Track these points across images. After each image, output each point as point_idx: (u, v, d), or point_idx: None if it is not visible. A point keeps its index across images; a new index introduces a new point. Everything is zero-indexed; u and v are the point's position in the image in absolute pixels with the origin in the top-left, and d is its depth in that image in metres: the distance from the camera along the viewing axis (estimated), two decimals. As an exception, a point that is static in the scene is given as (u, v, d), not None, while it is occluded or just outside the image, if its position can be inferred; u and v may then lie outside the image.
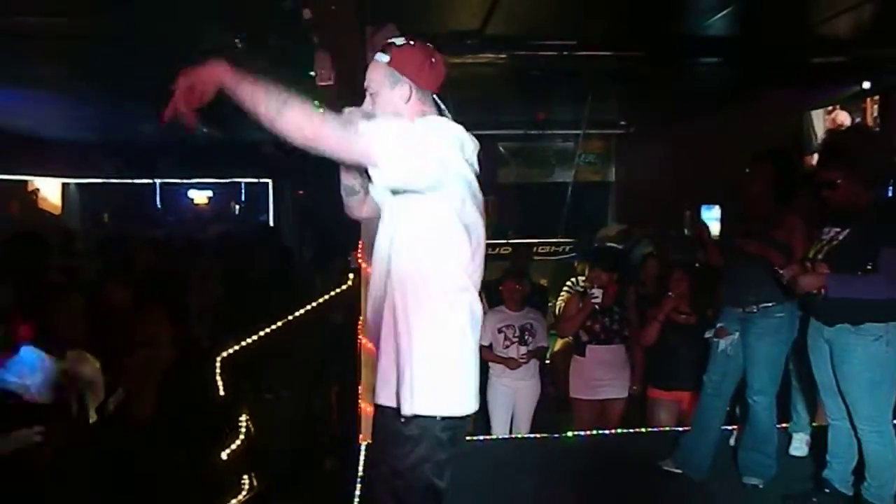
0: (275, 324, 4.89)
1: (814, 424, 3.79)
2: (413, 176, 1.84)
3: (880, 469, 2.96)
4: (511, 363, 4.66)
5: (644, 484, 3.54)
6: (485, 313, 2.32)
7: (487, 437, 4.42)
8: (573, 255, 7.34)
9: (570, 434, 4.40)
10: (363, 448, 3.83)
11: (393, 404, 1.93)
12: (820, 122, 5.55)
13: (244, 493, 3.98)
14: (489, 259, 2.06)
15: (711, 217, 6.42)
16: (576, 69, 5.20)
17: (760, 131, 5.57)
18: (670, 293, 4.44)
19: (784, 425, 3.75)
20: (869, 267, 2.88)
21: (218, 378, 4.17)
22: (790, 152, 3.87)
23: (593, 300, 4.54)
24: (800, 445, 3.79)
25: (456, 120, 2.01)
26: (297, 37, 3.79)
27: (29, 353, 3.09)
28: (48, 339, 3.12)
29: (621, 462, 3.77)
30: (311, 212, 9.96)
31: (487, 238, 2.02)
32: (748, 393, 3.40)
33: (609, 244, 6.72)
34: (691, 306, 4.46)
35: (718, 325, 3.53)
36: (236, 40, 4.37)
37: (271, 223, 11.43)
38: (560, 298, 5.50)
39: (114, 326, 4.06)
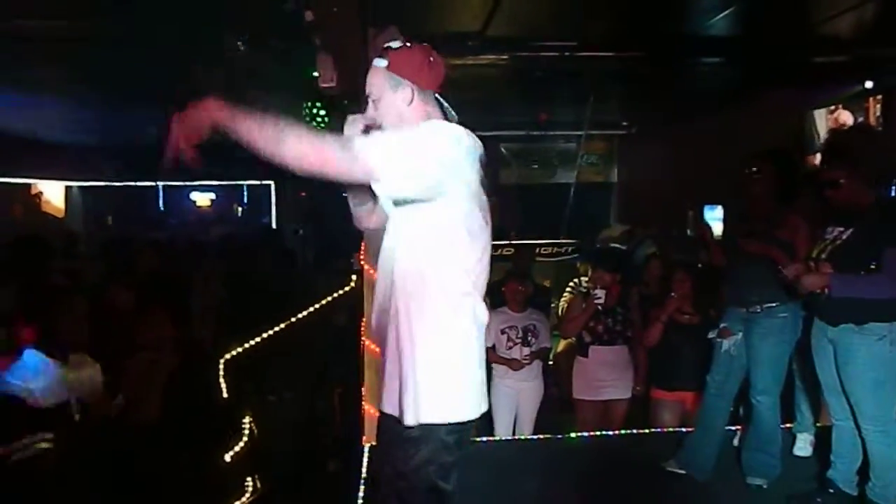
0: (278, 326, 4.89)
1: (818, 424, 3.78)
2: (415, 187, 1.84)
3: (885, 469, 2.95)
4: (514, 364, 4.65)
5: (647, 485, 3.54)
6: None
7: (491, 438, 4.42)
8: (576, 255, 7.33)
9: (573, 435, 4.40)
10: (366, 450, 3.83)
11: (398, 413, 1.92)
12: (822, 121, 5.55)
13: (248, 495, 3.98)
14: (491, 260, 2.05)
15: (714, 217, 6.41)
16: (577, 70, 5.21)
17: (762, 131, 5.57)
18: (673, 294, 4.44)
19: (788, 425, 3.75)
20: (872, 266, 2.87)
21: (221, 380, 4.17)
22: (792, 152, 3.87)
23: (596, 301, 4.54)
24: (804, 445, 3.79)
25: (458, 121, 2.01)
26: (298, 39, 3.79)
27: (32, 356, 3.10)
28: (51, 343, 3.13)
29: (625, 463, 3.77)
30: (313, 213, 9.97)
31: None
32: (752, 393, 3.40)
33: (612, 245, 6.72)
34: (694, 306, 4.46)
35: (722, 325, 3.53)
36: (238, 42, 4.38)
37: (274, 225, 11.44)
38: (563, 299, 5.50)
39: (117, 329, 4.07)
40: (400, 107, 1.96)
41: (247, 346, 4.55)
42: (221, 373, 4.21)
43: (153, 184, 11.69)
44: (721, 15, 4.17)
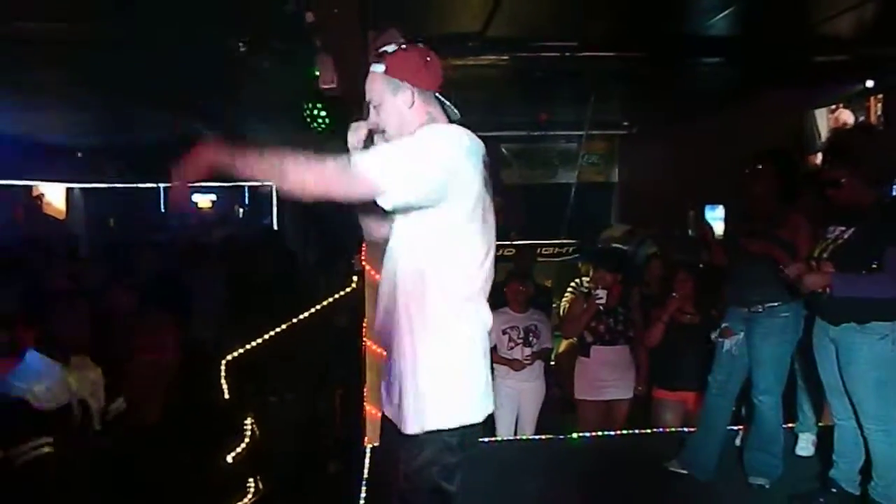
0: (279, 327, 4.90)
1: (820, 424, 3.77)
2: (418, 195, 1.83)
3: (887, 468, 2.95)
4: (515, 364, 4.65)
5: (650, 485, 3.53)
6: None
7: (492, 438, 4.42)
8: (577, 256, 7.33)
9: (575, 435, 4.39)
10: (368, 451, 3.83)
11: (400, 421, 1.92)
12: (823, 121, 5.54)
13: (249, 496, 3.99)
14: (494, 260, 2.05)
15: (715, 217, 6.41)
16: (578, 70, 5.20)
17: (763, 131, 5.56)
18: (674, 294, 4.44)
19: (790, 425, 3.74)
20: (874, 266, 2.87)
21: (223, 381, 4.18)
22: (792, 151, 3.87)
23: (597, 301, 4.54)
24: (806, 445, 3.78)
25: (459, 119, 2.01)
26: (299, 40, 3.80)
27: (34, 358, 3.10)
28: (52, 345, 3.13)
29: (627, 463, 3.76)
30: (315, 214, 9.97)
31: None
32: (754, 393, 3.39)
33: (614, 245, 6.72)
34: (696, 306, 4.46)
35: (723, 325, 3.53)
36: (239, 44, 4.38)
37: (275, 226, 11.44)
38: (564, 299, 5.49)
39: (118, 331, 4.08)
40: (401, 110, 1.95)
41: (248, 347, 4.56)
42: (223, 374, 4.22)
43: (155, 185, 11.70)
44: (721, 15, 4.17)
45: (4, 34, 4.31)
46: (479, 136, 1.98)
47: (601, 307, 4.54)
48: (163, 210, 12.05)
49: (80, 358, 3.26)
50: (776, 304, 3.28)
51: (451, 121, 2.01)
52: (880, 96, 5.07)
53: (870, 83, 5.06)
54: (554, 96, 6.59)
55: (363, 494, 3.33)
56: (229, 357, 4.34)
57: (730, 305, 3.54)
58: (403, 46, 1.97)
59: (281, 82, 5.06)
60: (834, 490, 3.14)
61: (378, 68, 1.96)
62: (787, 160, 3.47)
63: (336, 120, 5.19)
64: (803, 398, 3.76)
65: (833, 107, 5.46)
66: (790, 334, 3.32)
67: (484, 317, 1.98)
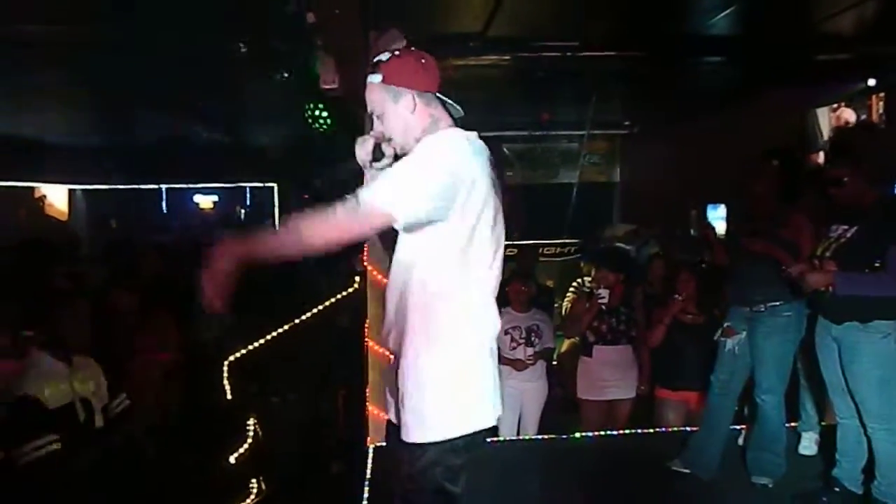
0: (281, 328, 4.90)
1: (823, 423, 3.77)
2: (430, 211, 1.82)
3: (890, 467, 2.94)
4: (518, 365, 4.65)
5: (652, 484, 3.53)
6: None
7: (495, 438, 4.42)
8: (579, 255, 7.32)
9: (577, 435, 4.39)
10: (371, 451, 3.83)
11: (406, 431, 1.92)
12: (825, 119, 5.53)
13: (252, 496, 3.99)
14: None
15: (717, 216, 6.40)
16: (579, 70, 5.20)
17: (765, 130, 5.55)
18: (677, 296, 4.43)
19: (793, 424, 3.74)
20: (877, 264, 2.87)
21: (225, 382, 4.19)
22: (794, 150, 3.86)
23: (600, 301, 4.54)
24: (809, 444, 3.78)
25: (462, 117, 2.01)
26: (300, 41, 3.80)
27: (40, 358, 3.11)
28: (55, 345, 3.14)
29: (629, 463, 3.76)
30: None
31: None
32: (756, 392, 3.39)
33: (617, 244, 6.71)
34: (698, 306, 4.45)
35: (726, 324, 3.53)
36: (239, 45, 4.39)
37: (276, 226, 11.44)
38: (566, 299, 5.49)
39: (121, 332, 4.08)
40: (404, 116, 1.95)
41: (251, 348, 4.57)
42: (225, 375, 4.22)
43: (156, 187, 11.71)
44: (722, 14, 4.17)
45: (7, 37, 4.32)
46: (481, 137, 1.98)
47: (603, 307, 4.54)
48: (164, 210, 12.08)
49: (82, 358, 3.27)
50: (778, 303, 3.28)
51: (454, 119, 2.01)
52: (882, 95, 5.06)
53: (871, 82, 5.05)
54: (555, 96, 6.59)
55: (366, 494, 3.33)
56: (232, 358, 4.35)
57: (732, 305, 3.54)
58: (397, 53, 1.97)
59: (282, 83, 5.07)
60: (837, 489, 3.14)
61: (375, 78, 1.95)
62: (789, 159, 3.47)
63: (337, 120, 5.19)
64: (806, 397, 3.76)
65: (835, 105, 5.46)
66: (793, 333, 3.32)
67: (493, 319, 1.97)
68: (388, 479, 2.06)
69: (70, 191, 11.14)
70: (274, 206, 11.75)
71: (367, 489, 3.37)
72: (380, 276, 3.85)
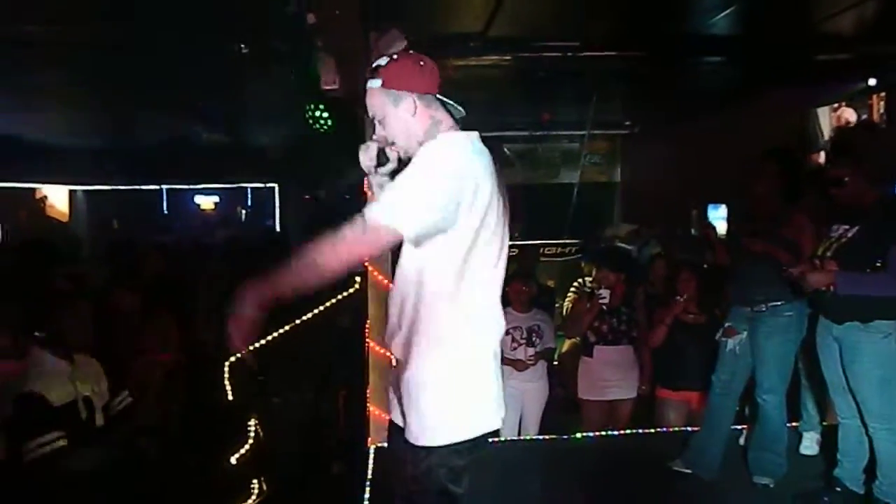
0: (282, 328, 4.90)
1: (824, 423, 3.77)
2: (435, 218, 1.81)
3: (892, 467, 2.94)
4: (519, 365, 4.65)
5: (654, 484, 3.53)
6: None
7: (496, 439, 4.41)
8: (580, 255, 7.32)
9: (578, 435, 4.39)
10: (372, 452, 3.83)
11: (411, 434, 1.92)
12: (826, 119, 5.53)
13: (253, 497, 3.99)
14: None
15: (718, 216, 6.40)
16: (580, 70, 5.21)
17: (766, 130, 5.55)
18: (679, 297, 4.43)
19: (794, 424, 3.74)
20: (878, 264, 2.87)
21: (226, 383, 4.19)
22: (795, 150, 3.86)
23: (601, 301, 4.54)
24: (810, 444, 3.78)
25: (463, 117, 2.01)
26: (301, 41, 3.80)
27: (43, 357, 3.12)
28: (56, 343, 3.15)
29: (630, 463, 3.76)
30: (317, 215, 9.99)
31: None
32: (758, 392, 3.39)
33: (618, 244, 6.72)
34: (699, 306, 4.45)
35: (727, 324, 3.53)
36: (241, 46, 4.39)
37: (278, 227, 11.45)
38: (567, 299, 5.49)
39: (122, 332, 4.08)
40: (405, 119, 1.95)
41: (252, 348, 4.56)
42: (227, 375, 4.22)
43: (157, 187, 11.72)
44: (723, 14, 4.17)
45: (8, 37, 4.33)
46: (482, 137, 1.98)
47: (604, 307, 4.54)
48: (166, 211, 12.09)
49: (84, 357, 3.28)
50: (779, 303, 3.28)
51: (455, 120, 2.01)
52: (882, 94, 5.06)
53: (872, 81, 5.05)
54: (556, 96, 6.59)
55: (367, 495, 3.33)
56: (233, 358, 4.35)
57: (733, 305, 3.54)
58: (395, 57, 1.97)
59: (282, 83, 5.07)
60: (838, 489, 3.14)
61: (375, 83, 1.95)
62: (790, 159, 3.47)
63: (338, 121, 5.19)
64: (807, 397, 3.76)
65: (835, 105, 5.45)
66: (794, 333, 3.32)
67: (498, 321, 1.98)
68: (389, 480, 2.07)
69: (71, 191, 11.16)
70: (275, 206, 11.76)
71: (367, 490, 3.37)
72: (381, 277, 3.85)
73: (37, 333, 3.13)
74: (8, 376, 3.20)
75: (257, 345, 4.59)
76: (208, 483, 3.71)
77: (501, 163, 2.01)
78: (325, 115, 5.18)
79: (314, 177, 9.62)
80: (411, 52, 2.03)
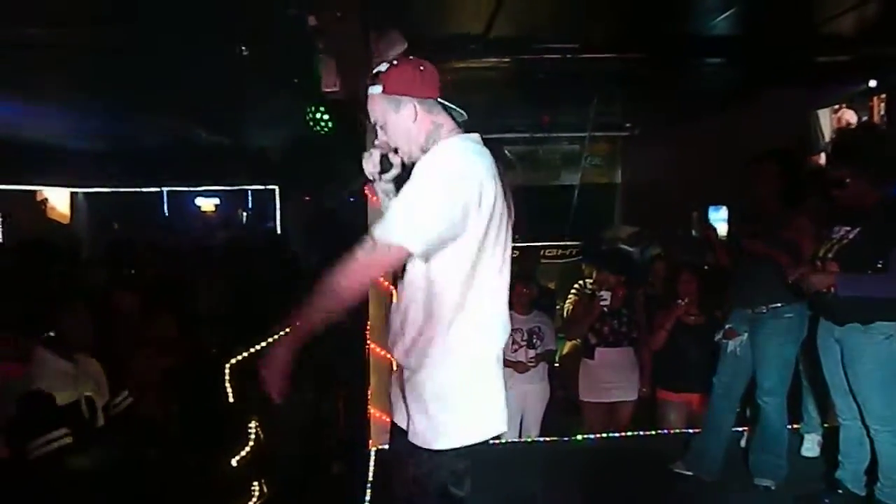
0: (283, 329, 4.89)
1: (825, 425, 3.77)
2: (441, 229, 1.82)
3: (893, 468, 2.94)
4: (519, 367, 4.64)
5: (654, 486, 3.53)
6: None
7: (496, 441, 4.41)
8: (580, 257, 7.32)
9: (579, 437, 4.39)
10: (373, 453, 3.83)
11: (422, 438, 1.92)
12: (826, 121, 5.53)
13: (254, 499, 3.99)
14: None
15: (718, 218, 6.39)
16: (580, 72, 5.20)
17: (766, 131, 5.55)
18: (680, 301, 4.43)
19: (795, 426, 3.74)
20: (879, 265, 2.87)
21: (227, 384, 4.18)
22: (796, 152, 3.86)
23: (602, 303, 4.53)
24: (811, 446, 3.77)
25: (465, 120, 2.01)
26: (301, 44, 3.80)
27: (46, 356, 3.13)
28: (59, 344, 3.16)
29: (631, 464, 3.76)
30: (318, 217, 9.99)
31: None
32: (758, 394, 3.39)
33: (620, 246, 6.71)
34: (700, 307, 4.45)
35: (727, 325, 3.52)
36: (241, 48, 4.39)
37: (278, 229, 11.45)
38: (568, 301, 5.49)
39: (123, 333, 4.09)
40: (406, 125, 1.96)
41: (252, 350, 4.56)
42: (227, 377, 4.22)
43: (158, 189, 11.73)
44: (723, 15, 4.17)
45: (10, 40, 4.33)
46: (483, 139, 1.98)
47: (605, 309, 4.54)
48: (166, 213, 12.09)
49: (84, 356, 3.29)
50: (780, 304, 3.28)
51: (458, 124, 2.01)
52: (883, 96, 5.05)
53: (873, 83, 5.05)
54: (556, 98, 6.59)
55: (367, 497, 3.33)
56: (233, 360, 4.34)
57: (734, 306, 3.54)
58: (395, 62, 1.98)
59: (283, 86, 5.08)
60: (840, 491, 3.14)
61: (376, 89, 1.96)
62: (791, 161, 3.47)
63: (338, 123, 5.20)
64: (808, 399, 3.75)
65: (836, 107, 5.45)
66: (794, 335, 3.31)
67: (504, 326, 1.98)
68: (390, 482, 2.07)
69: (72, 194, 11.17)
70: (275, 208, 11.77)
71: (368, 491, 3.37)
72: (381, 278, 3.84)
73: (50, 334, 3.15)
74: (10, 377, 3.20)
75: (258, 346, 4.60)
76: (209, 485, 3.71)
77: (504, 165, 2.01)
78: (326, 117, 5.19)
79: (315, 179, 9.62)
80: (412, 57, 2.03)
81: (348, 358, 4.76)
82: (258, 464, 4.13)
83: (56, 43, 4.51)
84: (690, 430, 4.08)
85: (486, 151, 1.95)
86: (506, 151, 9.34)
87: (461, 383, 1.91)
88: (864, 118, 5.19)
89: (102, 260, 7.01)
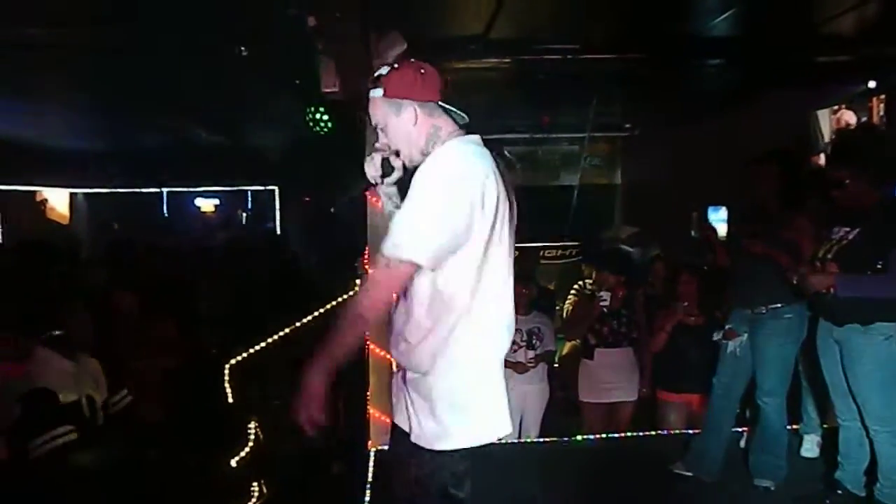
0: (282, 330, 4.90)
1: (825, 426, 3.77)
2: (447, 240, 1.83)
3: (893, 469, 2.94)
4: (519, 367, 4.64)
5: (654, 487, 3.53)
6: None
7: (496, 441, 4.40)
8: (580, 258, 7.32)
9: (579, 437, 4.39)
10: (372, 454, 3.83)
11: (425, 439, 1.93)
12: (826, 121, 5.52)
13: (254, 499, 3.99)
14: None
15: (718, 218, 6.39)
16: (580, 72, 5.20)
17: (766, 132, 5.55)
18: (681, 303, 4.43)
19: (795, 427, 3.74)
20: (878, 266, 2.87)
21: (226, 385, 4.19)
22: (795, 153, 3.86)
23: (601, 303, 4.53)
24: (811, 447, 3.78)
25: (466, 122, 2.01)
26: (301, 44, 3.80)
27: (44, 356, 3.14)
28: (60, 343, 3.16)
29: (631, 465, 3.76)
30: (318, 218, 10.00)
31: None
32: (758, 394, 3.39)
33: (620, 246, 6.72)
34: (700, 308, 4.45)
35: (727, 326, 3.53)
36: (241, 48, 4.39)
37: (278, 230, 11.45)
38: (567, 302, 5.49)
39: (122, 333, 4.09)
40: (407, 128, 1.96)
41: (252, 350, 4.56)
42: (227, 377, 4.22)
43: (157, 190, 11.73)
44: (723, 16, 4.17)
45: (10, 40, 4.33)
46: (483, 139, 1.99)
47: (605, 309, 4.54)
48: (166, 213, 12.09)
49: (84, 356, 3.30)
50: (780, 305, 3.28)
51: (458, 126, 2.01)
52: (883, 97, 5.05)
53: (872, 84, 5.05)
54: (556, 99, 6.59)
55: (367, 497, 3.33)
56: (233, 360, 4.35)
57: (734, 307, 3.54)
58: (396, 66, 1.98)
59: (283, 86, 5.07)
60: (839, 492, 3.14)
61: (377, 93, 1.97)
62: (791, 161, 3.48)
63: (338, 123, 5.20)
64: (808, 400, 3.75)
65: (835, 108, 5.45)
66: (794, 335, 3.32)
67: (510, 329, 2.00)
68: (390, 483, 2.07)
69: (72, 194, 11.17)
70: (275, 209, 11.77)
71: (368, 492, 3.37)
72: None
73: (56, 332, 3.15)
74: (10, 377, 3.20)
75: (257, 347, 4.60)
76: (209, 485, 3.71)
77: (506, 166, 2.02)
78: (326, 117, 5.19)
79: (315, 179, 9.62)
80: (412, 59, 2.03)
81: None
82: (258, 464, 4.13)
83: (56, 43, 4.50)
84: (690, 431, 4.08)
85: (487, 152, 1.95)
86: (506, 152, 9.35)
87: (470, 385, 1.91)
88: (864, 119, 5.19)
89: (102, 260, 7.02)
